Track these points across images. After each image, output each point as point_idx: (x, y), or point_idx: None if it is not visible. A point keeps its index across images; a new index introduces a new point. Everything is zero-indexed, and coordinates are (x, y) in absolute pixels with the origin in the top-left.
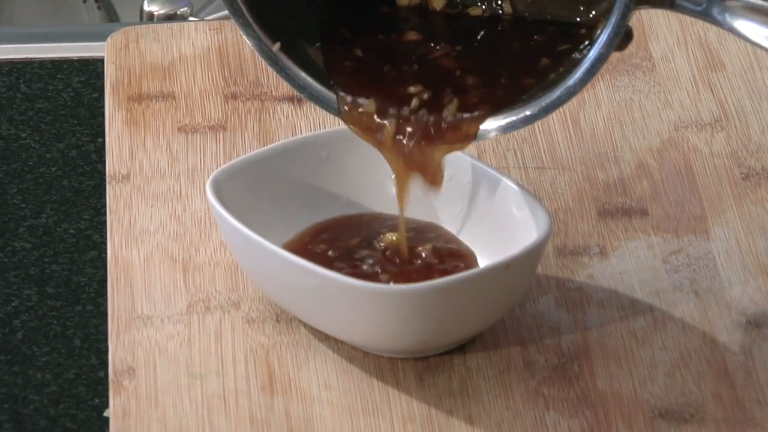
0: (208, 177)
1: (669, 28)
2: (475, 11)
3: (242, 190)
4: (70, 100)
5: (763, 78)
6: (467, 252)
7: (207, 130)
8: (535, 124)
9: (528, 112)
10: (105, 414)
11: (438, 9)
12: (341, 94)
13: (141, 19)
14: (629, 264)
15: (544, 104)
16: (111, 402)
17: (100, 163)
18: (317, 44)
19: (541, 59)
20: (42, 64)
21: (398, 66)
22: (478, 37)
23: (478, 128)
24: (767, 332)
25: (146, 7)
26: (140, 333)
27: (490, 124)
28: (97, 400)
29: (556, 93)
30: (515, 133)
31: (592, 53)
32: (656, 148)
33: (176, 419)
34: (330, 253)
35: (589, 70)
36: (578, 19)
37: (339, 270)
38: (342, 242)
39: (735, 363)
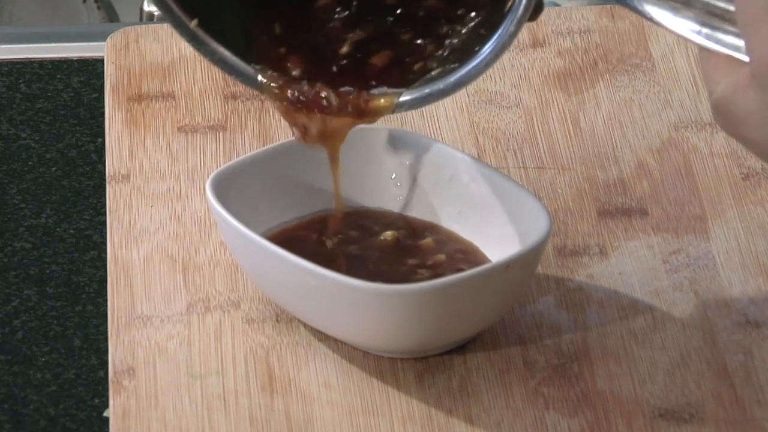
0: (208, 177)
1: None
2: None
3: (242, 190)
4: (70, 100)
5: None
6: (472, 248)
7: (207, 130)
8: (535, 124)
9: (441, 86)
10: (105, 414)
11: None
12: (260, 67)
13: (141, 19)
14: (629, 264)
15: (458, 76)
16: (111, 402)
17: (100, 163)
18: (236, 19)
19: (427, 46)
20: (42, 64)
21: (316, 43)
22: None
23: (392, 102)
24: (767, 332)
25: (146, 7)
26: (140, 333)
27: (404, 98)
28: (97, 400)
29: (471, 65)
30: (515, 133)
31: (504, 28)
32: (656, 148)
33: (176, 419)
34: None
35: (502, 45)
36: None
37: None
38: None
39: (735, 363)
